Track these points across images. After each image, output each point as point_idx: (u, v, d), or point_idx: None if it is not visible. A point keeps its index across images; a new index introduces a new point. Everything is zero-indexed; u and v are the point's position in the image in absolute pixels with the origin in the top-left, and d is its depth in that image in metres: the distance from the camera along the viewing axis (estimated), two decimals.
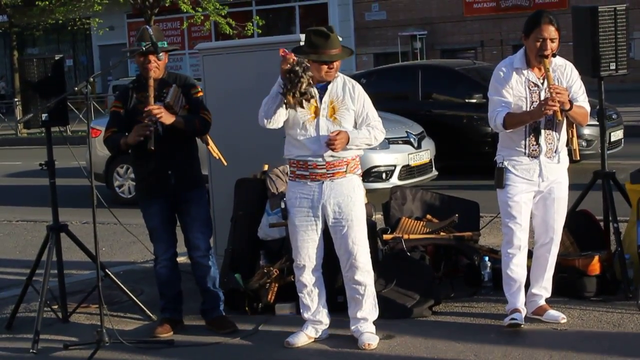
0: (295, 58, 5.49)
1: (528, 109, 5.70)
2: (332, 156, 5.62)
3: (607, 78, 6.79)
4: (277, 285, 6.51)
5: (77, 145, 7.43)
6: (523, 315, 5.82)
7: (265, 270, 6.58)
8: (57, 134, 6.74)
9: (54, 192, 6.65)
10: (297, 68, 5.45)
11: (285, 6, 36.22)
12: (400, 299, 6.26)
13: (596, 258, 6.39)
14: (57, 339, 6.25)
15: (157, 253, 6.30)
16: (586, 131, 12.65)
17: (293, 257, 5.83)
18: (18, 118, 24.06)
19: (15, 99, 26.48)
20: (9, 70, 38.99)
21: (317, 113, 5.65)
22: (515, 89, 5.74)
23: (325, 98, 5.68)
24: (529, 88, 5.75)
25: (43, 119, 6.50)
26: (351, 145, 5.62)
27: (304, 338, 5.86)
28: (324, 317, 5.90)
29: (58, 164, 6.69)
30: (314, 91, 5.60)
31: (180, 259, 6.46)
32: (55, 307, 6.71)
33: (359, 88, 5.78)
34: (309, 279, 5.81)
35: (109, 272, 6.74)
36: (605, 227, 6.91)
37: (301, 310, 5.94)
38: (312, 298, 5.85)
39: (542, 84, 5.74)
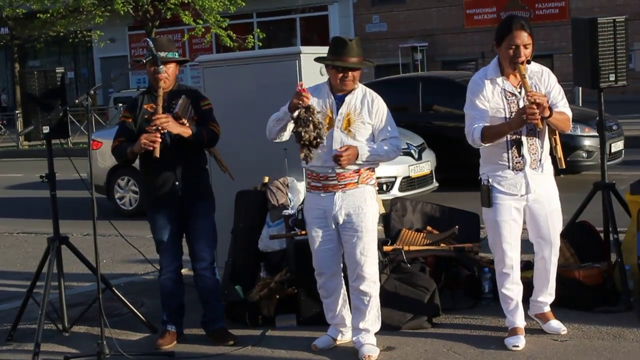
0: (307, 100, 5.46)
1: (507, 120, 5.52)
2: (342, 168, 5.61)
3: (608, 89, 6.79)
4: (277, 297, 6.51)
5: (78, 157, 7.43)
6: (523, 335, 5.76)
7: (265, 282, 6.59)
8: (58, 146, 6.76)
9: (54, 204, 6.65)
10: (302, 116, 5.43)
11: (286, 18, 36.30)
12: (393, 315, 6.25)
13: (596, 269, 6.39)
14: (58, 350, 6.26)
15: (163, 265, 6.30)
16: (586, 142, 12.67)
17: (313, 265, 5.88)
18: (19, 130, 24.09)
19: (17, 111, 26.52)
20: (10, 83, 39.07)
21: (331, 124, 5.63)
22: (492, 100, 5.58)
23: (342, 109, 5.65)
24: (506, 98, 5.57)
25: (44, 131, 6.52)
26: (360, 161, 5.61)
27: (329, 341, 5.98)
28: (347, 321, 5.97)
29: (59, 176, 6.70)
30: (323, 132, 5.52)
31: (182, 271, 6.45)
32: (56, 318, 6.71)
33: (379, 102, 5.71)
34: (329, 286, 5.89)
35: (110, 284, 6.74)
36: (606, 238, 6.90)
37: (325, 315, 6.03)
38: (335, 303, 5.94)
39: (520, 92, 5.56)
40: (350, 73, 5.59)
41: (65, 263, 6.80)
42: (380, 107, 5.70)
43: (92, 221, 5.79)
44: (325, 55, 5.70)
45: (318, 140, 5.47)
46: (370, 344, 5.76)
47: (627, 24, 6.70)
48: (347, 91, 5.67)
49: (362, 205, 5.66)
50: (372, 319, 5.82)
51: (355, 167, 5.62)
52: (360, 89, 5.72)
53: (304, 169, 5.86)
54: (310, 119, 5.44)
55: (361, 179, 5.67)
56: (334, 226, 5.71)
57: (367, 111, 5.66)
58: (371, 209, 5.70)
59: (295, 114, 5.48)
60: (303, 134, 5.44)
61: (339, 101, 5.67)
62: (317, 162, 5.65)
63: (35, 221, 12.42)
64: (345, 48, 5.56)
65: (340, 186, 5.65)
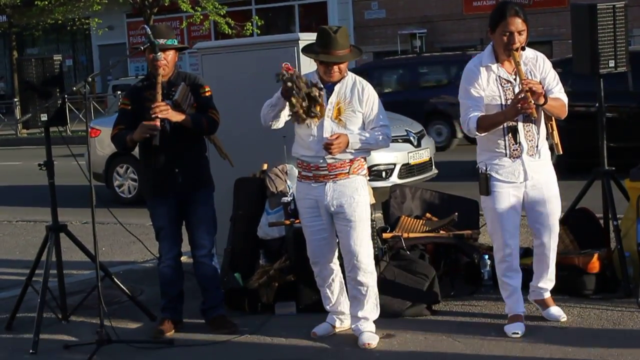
0: (289, 72, 5.42)
1: (503, 107, 5.48)
2: (333, 158, 5.59)
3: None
4: (276, 284, 6.50)
5: (77, 145, 7.42)
6: (523, 322, 5.74)
7: (264, 270, 6.58)
8: (57, 134, 6.73)
9: (53, 192, 6.64)
10: (290, 83, 5.39)
11: (285, 5, 36.19)
12: (392, 303, 6.24)
13: (596, 256, 6.39)
14: (57, 339, 6.26)
15: (162, 252, 6.29)
16: None
17: (308, 254, 5.89)
18: (17, 118, 24.07)
19: (15, 99, 26.49)
20: (8, 71, 38.98)
21: (322, 113, 5.61)
22: (487, 89, 5.52)
23: (332, 99, 5.62)
24: (501, 85, 5.53)
25: (42, 119, 6.50)
26: (351, 149, 5.59)
27: (329, 328, 5.98)
28: (345, 308, 5.98)
29: (57, 164, 6.68)
30: (317, 91, 5.47)
31: (182, 258, 6.44)
32: (55, 307, 6.71)
33: (369, 89, 5.68)
34: (325, 274, 5.90)
35: (109, 272, 6.74)
36: (605, 224, 6.89)
37: (323, 303, 6.03)
38: (332, 290, 5.95)
39: (515, 79, 5.51)
40: (336, 66, 5.56)
41: (64, 251, 6.79)
42: (370, 95, 5.67)
43: (91, 209, 5.79)
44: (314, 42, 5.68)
45: (310, 107, 5.44)
46: (369, 332, 5.77)
47: (626, 10, 6.66)
48: (336, 80, 5.65)
49: (354, 195, 5.64)
50: (371, 307, 5.82)
51: (346, 157, 5.61)
52: (350, 77, 5.68)
53: (294, 156, 5.85)
54: (298, 85, 5.39)
55: (352, 169, 5.66)
56: (326, 215, 5.70)
57: (357, 99, 5.63)
58: (364, 199, 5.69)
59: (283, 86, 5.45)
60: (295, 102, 5.41)
61: (329, 90, 5.63)
62: (308, 152, 5.65)
63: (34, 209, 12.43)
64: (329, 41, 5.50)
65: (331, 176, 5.63)
